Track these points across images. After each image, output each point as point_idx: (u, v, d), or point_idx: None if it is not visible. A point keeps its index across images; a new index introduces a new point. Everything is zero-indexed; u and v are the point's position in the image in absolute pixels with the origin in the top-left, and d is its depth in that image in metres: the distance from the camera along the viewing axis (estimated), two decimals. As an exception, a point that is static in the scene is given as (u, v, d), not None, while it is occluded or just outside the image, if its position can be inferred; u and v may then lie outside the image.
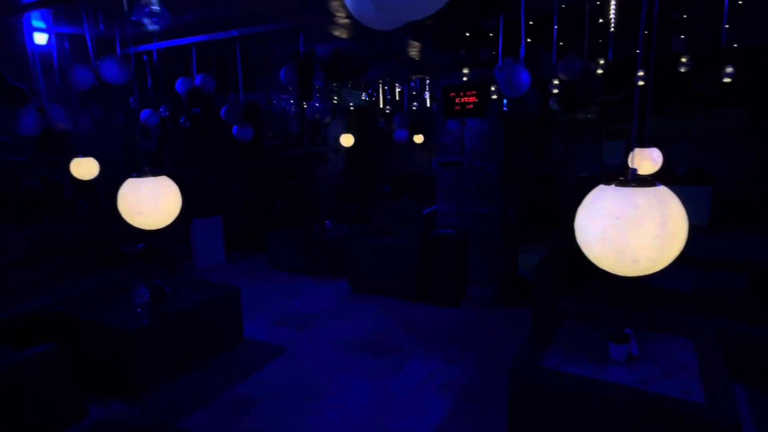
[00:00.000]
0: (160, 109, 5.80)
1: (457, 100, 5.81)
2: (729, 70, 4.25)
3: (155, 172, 2.28)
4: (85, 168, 4.23)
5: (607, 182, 1.52)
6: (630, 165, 3.40)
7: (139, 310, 4.34)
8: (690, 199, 8.35)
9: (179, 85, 5.31)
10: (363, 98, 7.97)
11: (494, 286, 6.17)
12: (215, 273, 7.37)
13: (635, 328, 3.71)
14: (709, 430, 2.61)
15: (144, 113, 5.84)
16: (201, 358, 4.57)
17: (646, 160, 3.17)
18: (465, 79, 5.43)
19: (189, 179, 7.54)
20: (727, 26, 4.04)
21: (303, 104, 6.73)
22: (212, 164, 7.92)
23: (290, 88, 5.03)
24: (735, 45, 6.89)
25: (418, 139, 9.55)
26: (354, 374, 4.29)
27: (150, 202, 2.34)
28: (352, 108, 8.54)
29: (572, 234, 1.64)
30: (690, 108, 9.13)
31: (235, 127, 5.34)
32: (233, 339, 4.94)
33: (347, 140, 7.66)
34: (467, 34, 5.26)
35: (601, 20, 4.65)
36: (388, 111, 8.92)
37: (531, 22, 4.87)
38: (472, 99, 5.70)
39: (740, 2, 4.84)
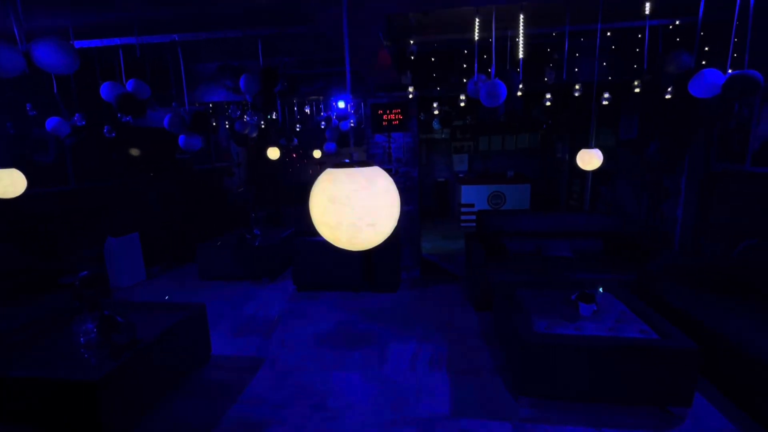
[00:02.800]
0: (75, 118, 4.02)
1: (384, 117, 5.38)
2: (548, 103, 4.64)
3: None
4: (9, 182, 2.58)
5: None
6: (579, 163, 3.43)
7: (84, 352, 2.89)
8: (519, 193, 9.27)
9: (104, 90, 3.72)
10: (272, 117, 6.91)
11: (418, 269, 5.94)
12: (138, 291, 5.57)
13: (558, 289, 3.84)
14: (674, 356, 2.73)
15: (51, 121, 3.99)
16: (175, 383, 3.29)
17: (594, 158, 3.24)
18: (413, 95, 5.04)
19: (100, 194, 5.54)
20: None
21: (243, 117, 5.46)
22: (125, 178, 5.98)
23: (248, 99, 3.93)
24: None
25: (317, 153, 8.79)
26: (344, 369, 3.58)
27: None
28: (263, 126, 7.37)
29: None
30: (506, 132, 10.30)
31: (181, 137, 3.97)
32: (203, 359, 3.70)
33: (273, 153, 6.54)
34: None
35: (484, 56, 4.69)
36: (298, 128, 7.94)
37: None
38: (398, 116, 5.34)
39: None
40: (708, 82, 3.17)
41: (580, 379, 2.86)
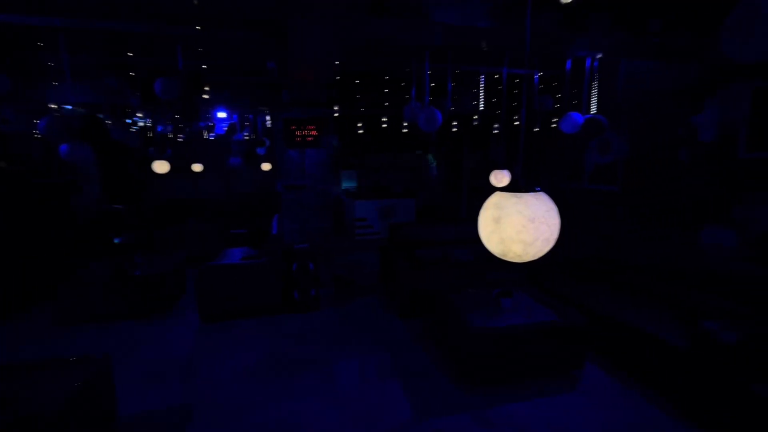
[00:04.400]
0: None
1: (297, 132, 5.26)
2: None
3: None
4: None
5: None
6: (492, 181, 4.10)
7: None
8: (406, 206, 10.20)
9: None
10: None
11: (333, 285, 5.93)
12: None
13: (477, 289, 4.47)
14: (570, 332, 3.53)
15: None
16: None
17: (505, 177, 3.92)
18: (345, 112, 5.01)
19: None
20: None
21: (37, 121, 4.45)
22: None
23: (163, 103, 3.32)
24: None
25: (197, 167, 7.85)
26: (296, 398, 3.37)
27: None
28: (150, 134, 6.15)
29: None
30: (391, 150, 11.15)
31: (63, 146, 3.09)
32: (106, 425, 2.93)
33: (161, 167, 5.54)
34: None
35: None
36: (181, 138, 6.93)
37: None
38: (313, 132, 5.30)
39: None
40: (573, 122, 4.23)
41: (514, 361, 3.42)
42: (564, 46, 3.48)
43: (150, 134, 5.56)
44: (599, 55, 3.62)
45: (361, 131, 6.62)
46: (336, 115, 5.07)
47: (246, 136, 6.95)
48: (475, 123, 4.65)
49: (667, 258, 4.40)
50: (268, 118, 7.16)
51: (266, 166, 7.73)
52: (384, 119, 4.51)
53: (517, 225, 1.34)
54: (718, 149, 3.83)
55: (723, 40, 1.43)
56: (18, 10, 2.57)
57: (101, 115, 4.99)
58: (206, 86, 3.54)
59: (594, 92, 4.13)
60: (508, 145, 7.05)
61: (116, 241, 5.51)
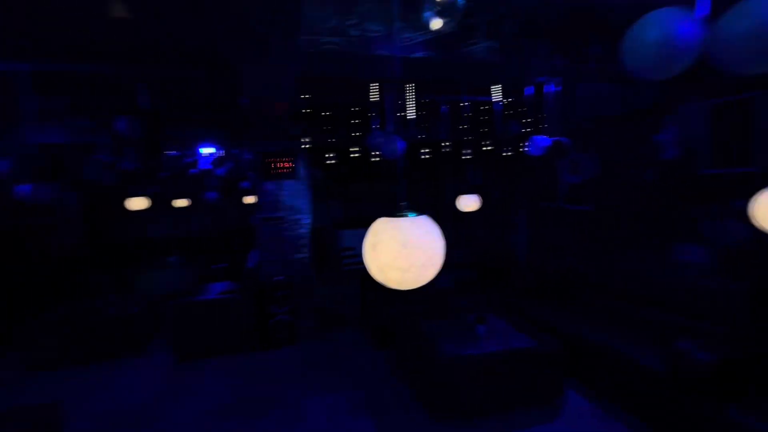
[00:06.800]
0: None
1: (273, 165, 5.30)
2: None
3: None
4: None
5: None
6: (458, 205, 4.09)
7: None
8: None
9: None
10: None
11: (312, 318, 5.78)
12: None
13: (452, 316, 4.37)
14: (547, 358, 3.42)
15: None
16: None
17: (473, 201, 3.93)
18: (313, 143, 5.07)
19: None
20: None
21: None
22: None
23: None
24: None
25: (181, 202, 7.84)
26: (261, 440, 3.19)
27: None
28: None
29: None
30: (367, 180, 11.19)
31: (26, 186, 3.09)
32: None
33: (138, 203, 5.52)
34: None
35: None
36: (163, 175, 6.97)
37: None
38: (288, 164, 5.35)
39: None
40: (538, 144, 4.29)
41: (492, 390, 3.28)
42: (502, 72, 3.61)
43: (126, 171, 5.59)
44: (542, 80, 3.76)
45: (333, 161, 6.71)
46: (307, 146, 5.13)
47: (227, 170, 7.01)
48: (446, 150, 4.72)
49: (643, 277, 4.35)
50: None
51: (249, 199, 7.73)
52: (354, 149, 4.58)
53: (392, 251, 1.31)
54: (680, 166, 3.88)
55: (624, 58, 1.47)
56: None
57: (73, 155, 5.03)
58: (164, 123, 3.59)
59: (555, 116, 4.24)
60: (484, 170, 7.13)
61: (92, 280, 5.37)
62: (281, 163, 5.34)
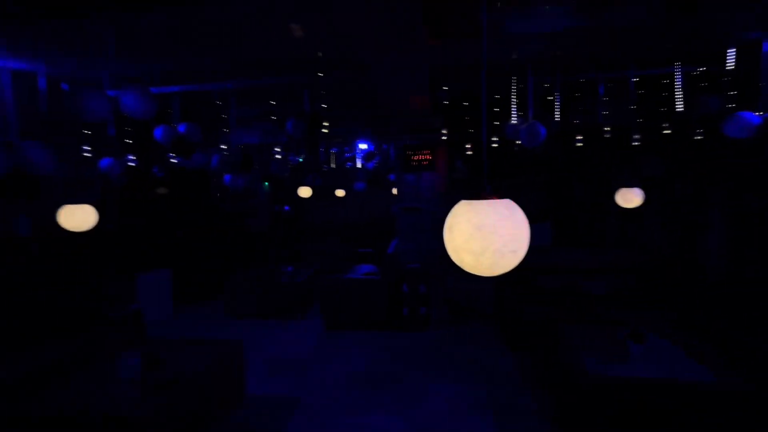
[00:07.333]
0: (126, 158, 4.25)
1: (413, 158, 5.56)
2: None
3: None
4: (81, 217, 2.71)
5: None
6: (618, 201, 3.45)
7: (127, 388, 2.85)
8: (541, 230, 9.21)
9: (159, 133, 3.96)
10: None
11: (445, 308, 5.84)
12: (165, 327, 5.54)
13: (601, 326, 3.72)
14: (728, 398, 2.61)
15: (104, 161, 4.22)
16: (211, 426, 3.19)
17: (635, 196, 3.28)
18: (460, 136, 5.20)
19: (135, 231, 5.70)
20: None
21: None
22: (159, 216, 6.15)
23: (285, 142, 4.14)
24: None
25: (340, 192, 8.97)
26: (383, 413, 3.45)
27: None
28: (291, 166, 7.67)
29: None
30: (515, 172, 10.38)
31: (227, 176, 4.15)
32: (237, 399, 3.61)
33: (305, 192, 6.71)
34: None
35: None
36: (326, 168, 8.19)
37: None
38: (427, 157, 5.51)
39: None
40: (745, 123, 3.25)
41: (639, 425, 2.72)
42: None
43: (296, 165, 6.74)
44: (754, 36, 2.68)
45: (472, 153, 6.49)
46: (446, 138, 5.15)
47: (377, 163, 7.69)
48: (608, 136, 4.02)
49: None
50: None
51: (395, 191, 8.33)
52: (495, 139, 4.36)
53: (465, 233, 1.19)
54: None
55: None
56: (200, 80, 3.73)
57: (261, 152, 6.36)
58: (324, 123, 4.16)
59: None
60: (662, 158, 5.76)
61: (276, 253, 6.70)
62: (420, 156, 5.54)
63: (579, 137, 4.47)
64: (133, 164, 4.20)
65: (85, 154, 4.32)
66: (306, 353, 4.70)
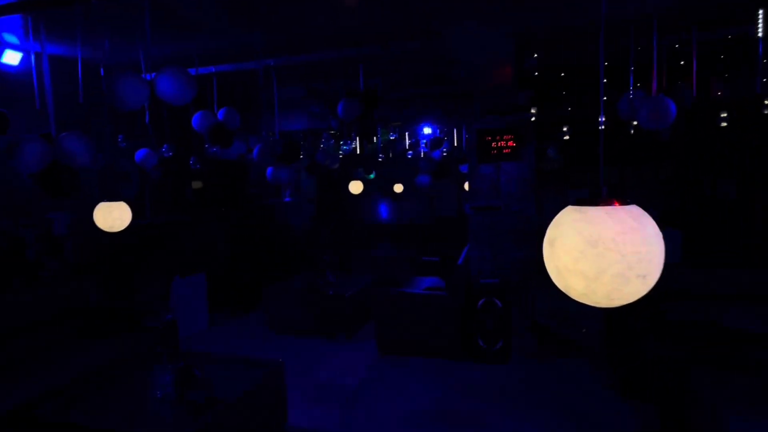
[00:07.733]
0: (163, 149, 4.62)
1: (493, 144, 5.39)
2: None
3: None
4: (117, 215, 3.02)
5: None
6: None
7: (160, 408, 3.07)
8: (667, 239, 8.59)
9: (197, 120, 4.25)
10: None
11: (530, 335, 5.60)
12: (201, 340, 5.95)
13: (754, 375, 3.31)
14: None
15: (140, 153, 4.62)
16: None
17: None
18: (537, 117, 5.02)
19: (172, 229, 6.19)
20: None
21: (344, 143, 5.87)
22: (194, 213, 6.61)
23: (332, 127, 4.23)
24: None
25: (398, 187, 9.00)
26: (451, 461, 3.36)
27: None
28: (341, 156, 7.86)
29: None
30: (640, 161, 9.62)
31: (269, 169, 4.35)
32: (277, 428, 3.75)
33: (356, 187, 6.86)
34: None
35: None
36: (381, 159, 8.26)
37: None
38: (510, 143, 5.32)
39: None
40: None
41: None
42: None
43: (347, 154, 6.87)
44: None
45: (570, 137, 6.04)
46: (535, 119, 4.92)
47: (444, 151, 7.58)
48: (766, 112, 3.55)
49: None
50: None
51: (469, 185, 8.15)
52: (601, 120, 4.05)
53: (574, 250, 1.05)
54: None
55: None
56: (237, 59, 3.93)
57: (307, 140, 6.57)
58: (380, 104, 4.17)
59: None
60: None
61: (325, 259, 6.92)
62: (501, 142, 5.36)
63: (723, 114, 4.01)
64: (168, 155, 4.54)
65: (121, 145, 4.77)
66: (356, 381, 4.76)
